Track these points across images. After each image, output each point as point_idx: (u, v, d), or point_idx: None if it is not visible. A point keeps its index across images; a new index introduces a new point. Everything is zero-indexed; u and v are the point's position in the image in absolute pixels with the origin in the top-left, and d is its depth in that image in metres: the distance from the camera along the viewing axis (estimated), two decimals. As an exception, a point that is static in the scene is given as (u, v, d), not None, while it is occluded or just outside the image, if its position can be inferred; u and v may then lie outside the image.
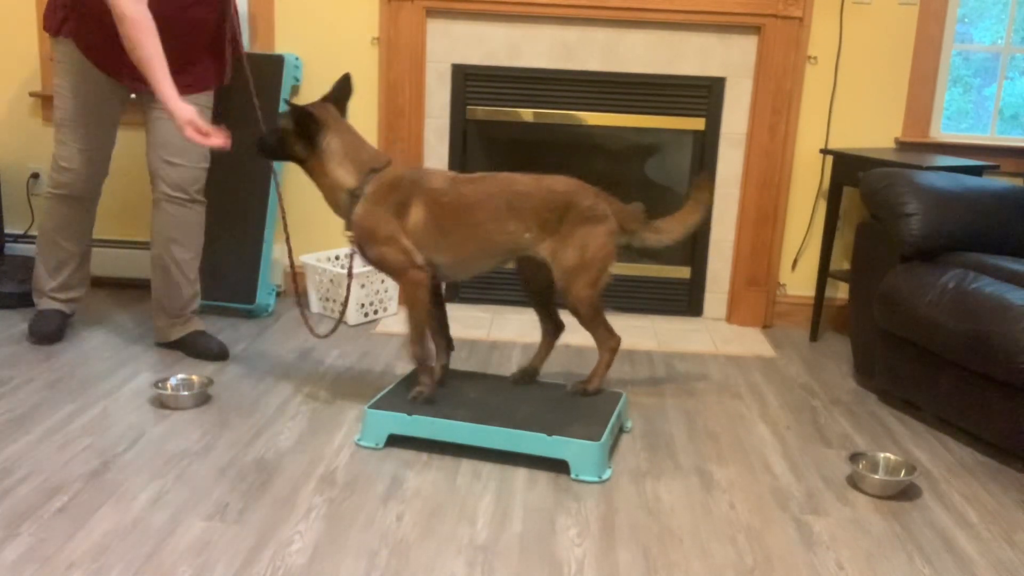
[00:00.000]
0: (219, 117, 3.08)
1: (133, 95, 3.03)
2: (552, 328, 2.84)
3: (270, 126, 2.69)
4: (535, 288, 2.79)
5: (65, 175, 3.04)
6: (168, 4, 2.74)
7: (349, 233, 2.62)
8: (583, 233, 2.59)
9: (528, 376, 2.81)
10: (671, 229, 2.73)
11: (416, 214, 2.56)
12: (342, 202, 2.60)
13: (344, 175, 2.58)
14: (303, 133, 2.56)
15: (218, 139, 2.73)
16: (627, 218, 2.66)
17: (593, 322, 2.70)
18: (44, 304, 3.23)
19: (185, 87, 2.84)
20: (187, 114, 2.69)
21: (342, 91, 2.71)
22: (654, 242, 2.72)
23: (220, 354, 3.12)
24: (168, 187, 3.02)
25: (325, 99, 2.67)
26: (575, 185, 2.64)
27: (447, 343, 2.79)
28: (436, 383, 2.66)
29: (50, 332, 3.18)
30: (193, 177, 3.04)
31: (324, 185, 2.62)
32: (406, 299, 2.66)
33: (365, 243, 2.61)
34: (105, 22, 2.71)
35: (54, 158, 3.05)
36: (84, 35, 2.87)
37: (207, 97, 3.07)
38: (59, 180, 3.06)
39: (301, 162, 2.62)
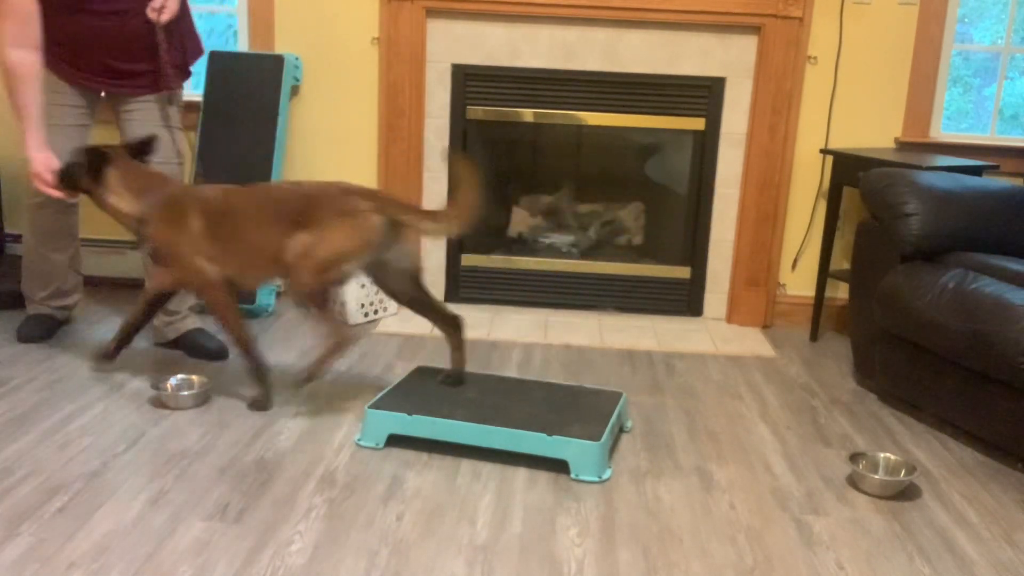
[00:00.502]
0: (219, 118, 3.08)
1: (103, 94, 3.01)
2: (450, 328, 2.78)
3: (70, 159, 2.81)
4: (397, 292, 2.78)
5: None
6: (105, 19, 2.80)
7: (149, 256, 2.78)
8: (327, 225, 2.57)
9: (455, 380, 2.75)
10: (451, 214, 2.61)
11: (195, 223, 2.67)
12: (135, 230, 2.75)
13: (126, 204, 2.72)
14: (92, 167, 2.72)
15: (57, 192, 2.80)
16: (396, 211, 2.60)
17: (317, 311, 2.64)
18: (34, 309, 3.23)
19: (141, 88, 2.94)
20: (38, 165, 2.77)
21: (145, 145, 2.84)
22: (440, 230, 2.68)
23: (219, 353, 3.12)
24: None
25: (122, 146, 2.84)
26: (328, 186, 2.66)
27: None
28: (270, 394, 2.76)
29: (38, 337, 3.18)
30: (169, 173, 2.99)
31: (114, 215, 2.77)
32: (213, 316, 2.80)
33: (166, 264, 2.74)
34: (68, 33, 2.79)
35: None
36: (46, 51, 2.80)
37: (162, 96, 3.01)
38: (36, 188, 3.02)
39: (89, 194, 2.76)
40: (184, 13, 2.98)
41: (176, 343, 3.16)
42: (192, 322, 3.18)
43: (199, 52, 3.14)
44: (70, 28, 2.81)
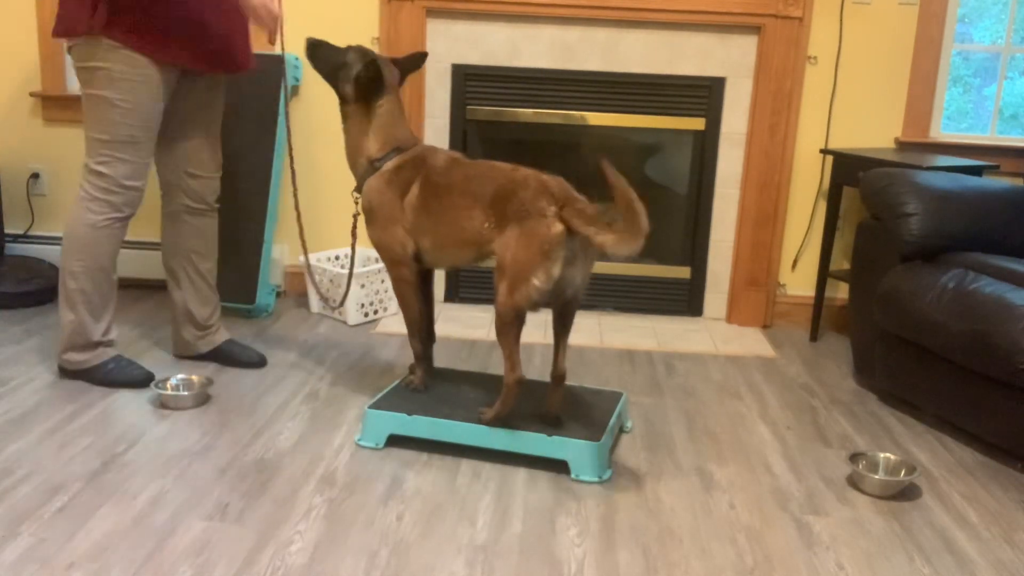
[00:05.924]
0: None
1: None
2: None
3: (345, 56, 2.68)
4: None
5: (132, 194, 2.74)
6: None
7: (356, 195, 2.67)
8: (515, 231, 2.36)
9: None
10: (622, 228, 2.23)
11: (413, 192, 2.57)
12: (360, 167, 2.66)
13: (372, 144, 2.63)
14: (368, 84, 2.60)
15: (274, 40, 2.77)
16: (576, 217, 2.32)
17: (500, 337, 2.42)
18: (101, 356, 2.86)
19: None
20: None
21: (412, 62, 2.76)
22: (608, 246, 2.25)
23: (259, 362, 3.09)
24: (190, 199, 2.96)
25: (394, 60, 2.71)
26: (528, 177, 2.43)
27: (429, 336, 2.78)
28: (427, 375, 2.73)
29: (143, 377, 2.87)
30: (213, 188, 3.01)
31: (350, 141, 2.68)
32: (396, 294, 2.71)
33: (367, 218, 2.65)
34: None
35: (109, 178, 2.68)
36: (145, 22, 2.61)
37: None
38: (125, 200, 2.73)
39: (345, 102, 2.67)
40: None
41: (209, 356, 3.09)
42: (223, 335, 3.12)
43: None
44: None
